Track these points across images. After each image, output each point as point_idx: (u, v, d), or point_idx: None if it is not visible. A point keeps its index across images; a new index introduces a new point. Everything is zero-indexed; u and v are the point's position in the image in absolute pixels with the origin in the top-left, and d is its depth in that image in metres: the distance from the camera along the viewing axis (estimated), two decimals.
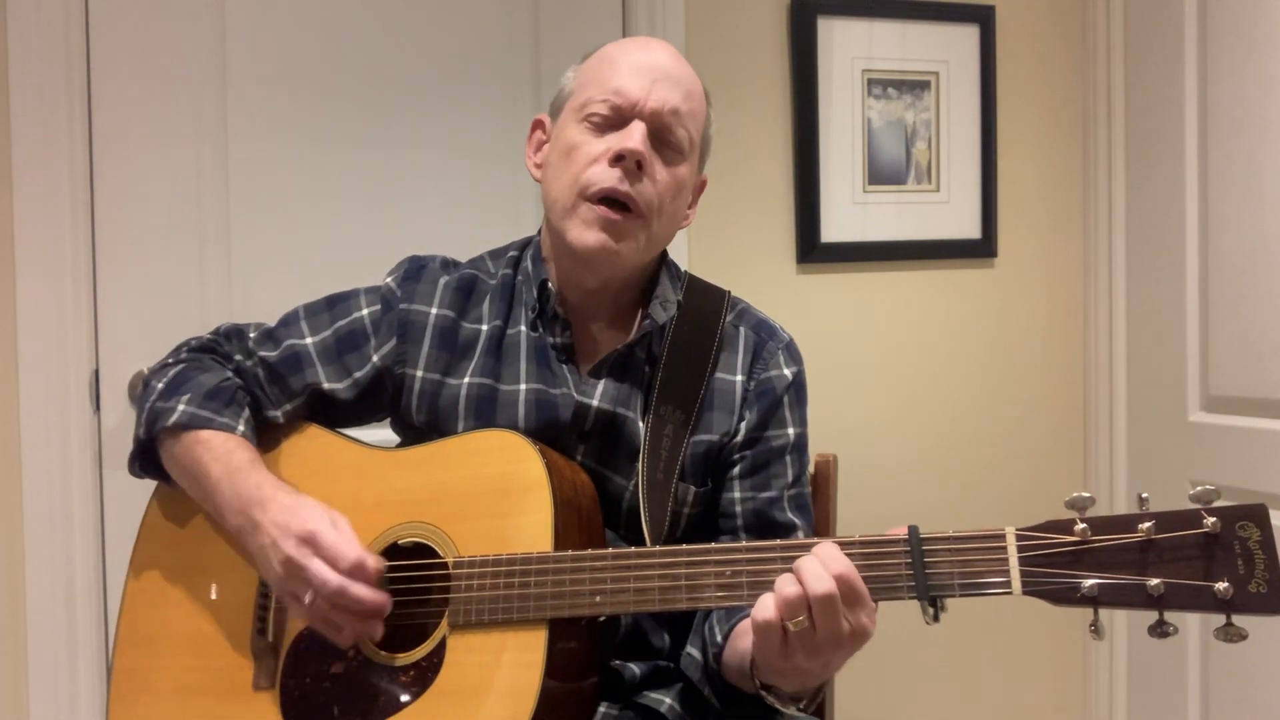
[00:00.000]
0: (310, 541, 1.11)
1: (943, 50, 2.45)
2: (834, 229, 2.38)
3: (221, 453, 1.21)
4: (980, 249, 2.50)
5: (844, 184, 2.38)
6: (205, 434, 1.23)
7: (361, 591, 1.10)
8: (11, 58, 1.92)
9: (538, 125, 1.32)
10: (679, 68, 1.25)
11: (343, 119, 2.11)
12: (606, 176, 1.19)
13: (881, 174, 2.42)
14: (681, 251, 2.25)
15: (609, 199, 1.19)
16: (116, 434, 1.99)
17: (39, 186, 1.93)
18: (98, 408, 2.00)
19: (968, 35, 2.46)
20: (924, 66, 2.43)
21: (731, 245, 2.32)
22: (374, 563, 1.12)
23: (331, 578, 1.09)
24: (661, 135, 1.22)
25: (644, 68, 1.22)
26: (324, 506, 1.16)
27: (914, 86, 2.43)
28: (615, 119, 1.21)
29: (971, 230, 2.49)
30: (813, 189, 2.35)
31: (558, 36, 2.20)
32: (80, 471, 1.97)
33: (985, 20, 2.47)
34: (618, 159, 1.19)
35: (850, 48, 2.37)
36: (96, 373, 2.00)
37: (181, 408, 1.24)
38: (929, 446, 2.47)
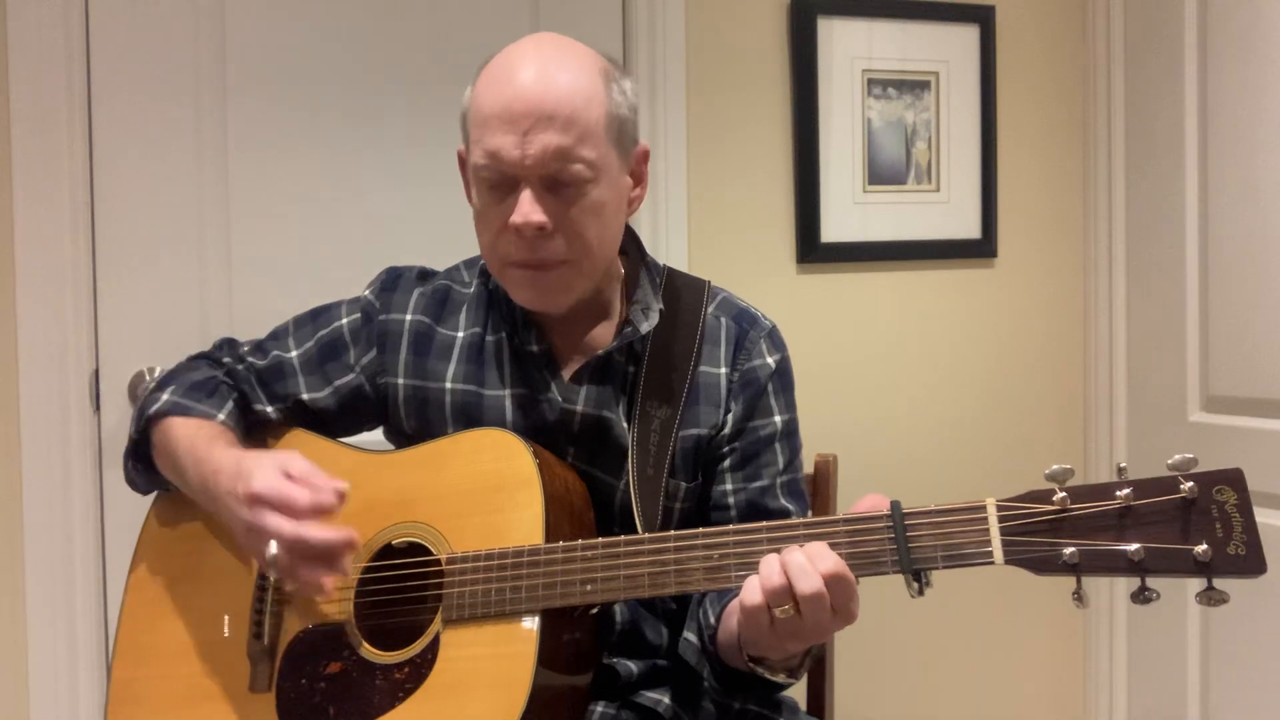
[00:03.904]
0: (258, 500, 1.09)
1: (943, 50, 2.45)
2: (834, 229, 2.38)
3: (188, 434, 1.23)
4: (980, 249, 2.50)
5: (844, 184, 2.38)
6: (180, 419, 1.25)
7: (317, 534, 1.08)
8: (11, 58, 1.92)
9: (460, 159, 1.28)
10: (550, 90, 1.14)
11: (342, 119, 2.11)
12: (515, 249, 1.17)
13: (881, 174, 2.42)
14: (682, 253, 2.26)
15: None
16: (116, 434, 1.99)
17: (39, 187, 1.94)
18: (98, 408, 2.00)
19: (968, 35, 2.46)
20: (924, 66, 2.43)
21: (731, 245, 2.32)
22: (331, 495, 1.09)
23: (285, 527, 1.07)
24: (555, 180, 1.15)
25: (513, 117, 1.13)
26: (273, 456, 1.14)
27: (914, 86, 2.43)
28: (503, 180, 1.16)
29: (971, 230, 2.49)
30: (813, 189, 2.35)
31: None
32: (80, 471, 1.97)
33: (985, 20, 2.47)
34: (517, 232, 1.16)
35: (850, 48, 2.37)
36: (96, 373, 2.00)
37: (165, 397, 1.27)
38: (929, 446, 2.47)
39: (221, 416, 1.26)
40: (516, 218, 1.14)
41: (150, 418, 1.27)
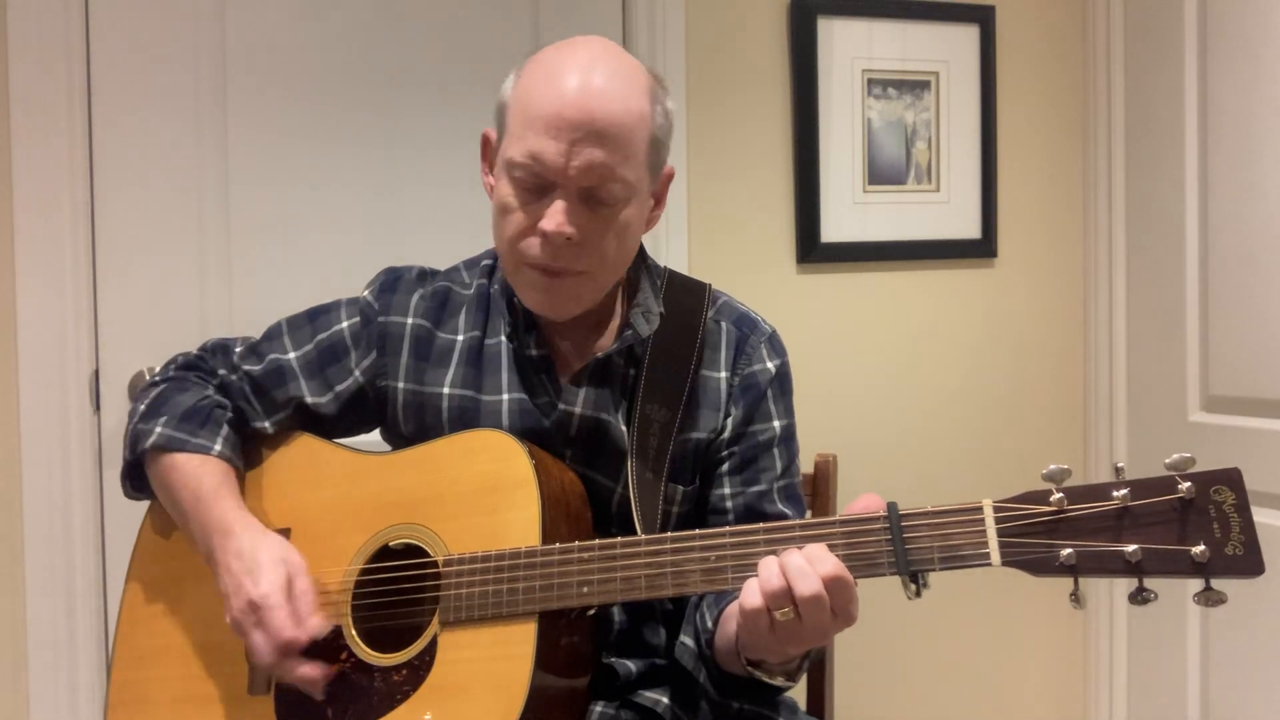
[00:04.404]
0: (256, 611, 1.12)
1: (943, 50, 2.44)
2: (834, 229, 2.38)
3: (191, 478, 1.23)
4: (980, 249, 2.50)
5: (844, 184, 2.38)
6: (180, 457, 1.24)
7: (293, 669, 1.12)
8: (11, 58, 1.92)
9: (486, 141, 1.27)
10: (603, 105, 1.13)
11: (342, 118, 2.11)
12: (538, 252, 1.16)
13: (881, 174, 2.41)
14: (682, 252, 2.25)
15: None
16: (116, 434, 1.98)
17: (39, 186, 1.94)
18: (98, 408, 2.00)
19: (968, 35, 2.46)
20: (924, 66, 2.43)
21: (731, 245, 2.32)
22: (312, 630, 1.13)
23: (266, 655, 1.12)
24: (591, 194, 1.15)
25: (564, 124, 1.12)
26: (283, 557, 1.16)
27: (914, 86, 2.43)
28: (539, 183, 1.15)
29: (971, 230, 2.49)
30: (813, 189, 2.35)
31: (557, 36, 2.19)
32: (80, 471, 1.98)
33: (985, 20, 2.46)
34: (545, 237, 1.15)
35: (850, 48, 2.37)
36: (96, 373, 2.00)
37: (159, 430, 1.25)
38: (929, 446, 2.47)
39: (217, 448, 1.25)
40: (549, 224, 1.14)
41: (145, 451, 1.26)
